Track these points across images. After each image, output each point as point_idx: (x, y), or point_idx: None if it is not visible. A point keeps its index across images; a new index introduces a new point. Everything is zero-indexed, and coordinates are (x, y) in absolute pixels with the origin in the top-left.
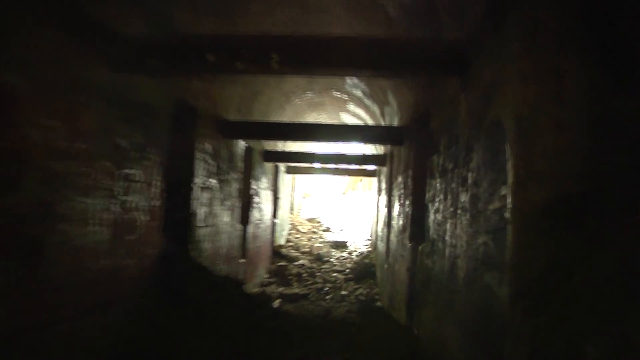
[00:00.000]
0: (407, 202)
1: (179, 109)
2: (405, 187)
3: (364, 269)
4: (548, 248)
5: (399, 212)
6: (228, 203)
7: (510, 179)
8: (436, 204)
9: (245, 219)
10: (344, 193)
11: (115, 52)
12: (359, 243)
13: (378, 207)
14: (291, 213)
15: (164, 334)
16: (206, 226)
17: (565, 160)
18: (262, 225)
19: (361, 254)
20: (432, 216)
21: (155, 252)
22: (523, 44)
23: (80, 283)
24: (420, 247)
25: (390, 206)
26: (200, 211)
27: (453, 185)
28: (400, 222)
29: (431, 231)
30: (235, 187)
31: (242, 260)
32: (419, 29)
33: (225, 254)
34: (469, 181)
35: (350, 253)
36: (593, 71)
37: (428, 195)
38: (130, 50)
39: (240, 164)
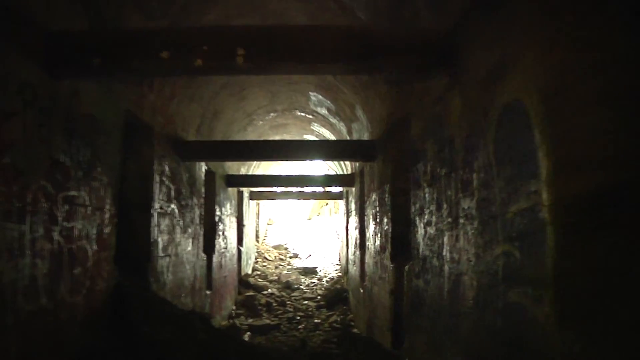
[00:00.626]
0: (385, 220)
1: (133, 125)
2: (381, 204)
3: (336, 295)
4: (597, 252)
5: (374, 231)
6: (190, 230)
7: (543, 170)
8: (426, 217)
9: (209, 247)
10: (309, 219)
11: (52, 53)
12: (328, 268)
13: (347, 230)
14: (257, 241)
15: None
16: (167, 256)
17: (612, 141)
18: (227, 254)
19: (331, 279)
20: (421, 231)
21: (106, 286)
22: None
23: (8, 329)
24: (406, 267)
25: (363, 227)
26: (161, 239)
27: (449, 192)
28: (378, 242)
29: (421, 248)
30: (197, 213)
31: (208, 292)
32: (399, 18)
33: (189, 286)
34: (475, 184)
35: (320, 279)
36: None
37: (414, 209)
38: (70, 51)
39: (202, 189)
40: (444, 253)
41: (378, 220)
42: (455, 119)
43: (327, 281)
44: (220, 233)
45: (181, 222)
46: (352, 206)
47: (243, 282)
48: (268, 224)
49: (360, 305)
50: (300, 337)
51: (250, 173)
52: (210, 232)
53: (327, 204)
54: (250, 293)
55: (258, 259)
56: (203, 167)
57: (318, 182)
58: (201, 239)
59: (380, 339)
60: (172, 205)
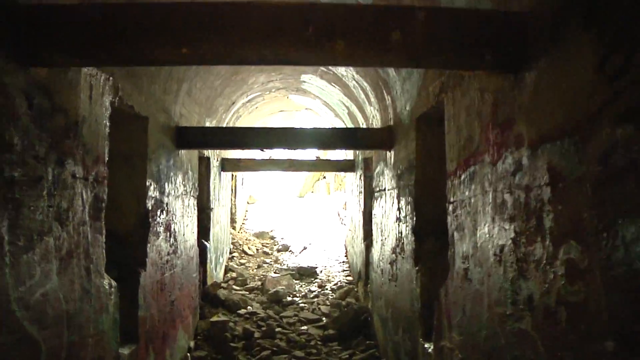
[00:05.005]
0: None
1: None
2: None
3: (352, 319)
4: None
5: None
6: (61, 235)
7: None
8: None
9: (140, 260)
10: (300, 196)
11: None
12: (332, 268)
13: (371, 218)
14: (232, 226)
15: None
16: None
17: None
18: (176, 262)
19: (339, 286)
20: None
21: None
22: None
23: None
24: None
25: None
26: None
27: None
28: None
29: None
30: (85, 197)
31: (128, 350)
32: None
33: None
34: None
35: (322, 286)
36: None
37: None
38: None
39: (104, 145)
40: None
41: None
42: None
43: (332, 289)
44: (162, 226)
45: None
46: (385, 181)
47: (209, 296)
48: (248, 203)
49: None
50: None
51: (218, 125)
52: (138, 231)
53: (323, 177)
54: (219, 317)
55: (234, 253)
56: (106, 99)
57: (324, 142)
58: (98, 249)
59: None
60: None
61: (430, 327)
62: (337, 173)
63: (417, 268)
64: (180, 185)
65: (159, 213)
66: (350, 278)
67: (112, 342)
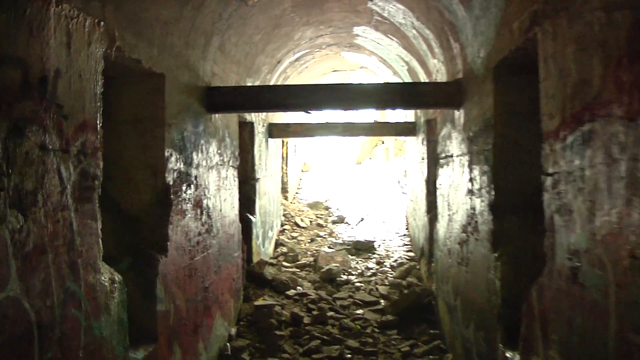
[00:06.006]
0: None
1: None
2: None
3: (413, 302)
4: None
5: None
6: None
7: None
8: None
9: (160, 244)
10: (358, 163)
11: None
12: (391, 243)
13: (435, 187)
14: (284, 197)
15: None
16: None
17: None
18: (213, 241)
19: (399, 263)
20: None
21: None
22: None
23: None
24: None
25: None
26: None
27: None
28: None
29: None
30: (70, 172)
31: (143, 353)
32: None
33: None
34: None
35: (380, 262)
36: None
37: None
38: None
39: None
40: None
41: None
42: None
43: (391, 266)
44: (189, 206)
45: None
46: (453, 146)
47: (254, 275)
48: (302, 171)
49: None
50: None
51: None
52: (156, 210)
53: (381, 142)
54: (264, 301)
55: (285, 226)
56: (96, 49)
57: (379, 99)
58: (88, 241)
59: None
60: None
61: (513, 330)
62: (397, 137)
63: (495, 254)
64: (214, 155)
65: (184, 188)
66: (411, 254)
67: (117, 348)
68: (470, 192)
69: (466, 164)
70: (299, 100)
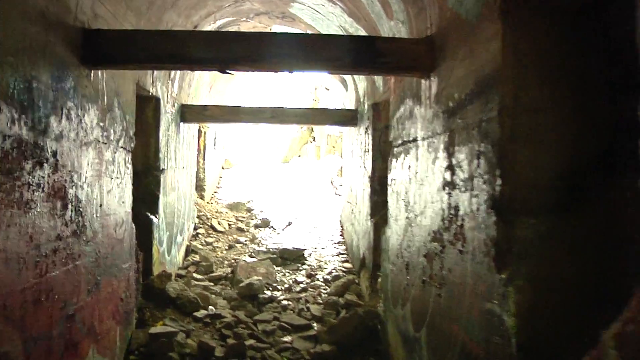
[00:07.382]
0: None
1: None
2: None
3: (353, 325)
4: None
5: None
6: None
7: None
8: None
9: None
10: (285, 161)
11: None
12: (325, 251)
13: (372, 179)
14: (200, 196)
15: None
16: None
17: None
18: (84, 248)
19: (334, 276)
20: None
21: None
22: None
23: None
24: None
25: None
26: None
27: None
28: None
29: None
30: None
31: None
32: None
33: None
34: None
35: (311, 275)
36: None
37: None
38: None
39: None
40: None
41: None
42: None
43: (325, 280)
44: (37, 195)
45: None
46: (417, 127)
47: (154, 292)
48: (223, 168)
49: None
50: None
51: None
52: None
53: (312, 139)
54: (164, 327)
55: (200, 229)
56: None
57: (318, 58)
58: None
59: None
60: None
61: None
62: (330, 134)
63: (502, 276)
64: (92, 128)
65: (28, 167)
66: (348, 265)
67: None
68: (450, 185)
69: (441, 147)
70: (208, 52)
